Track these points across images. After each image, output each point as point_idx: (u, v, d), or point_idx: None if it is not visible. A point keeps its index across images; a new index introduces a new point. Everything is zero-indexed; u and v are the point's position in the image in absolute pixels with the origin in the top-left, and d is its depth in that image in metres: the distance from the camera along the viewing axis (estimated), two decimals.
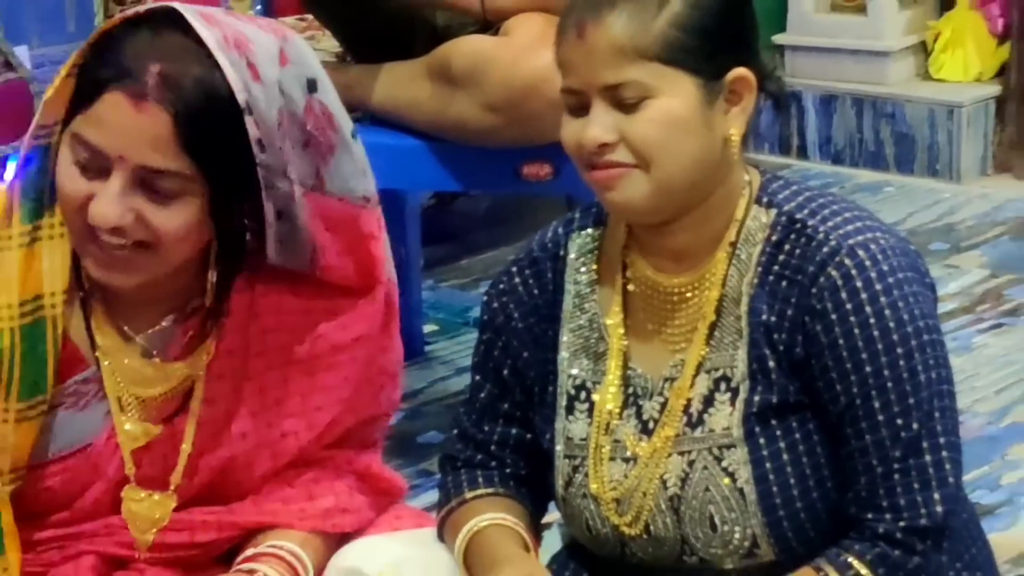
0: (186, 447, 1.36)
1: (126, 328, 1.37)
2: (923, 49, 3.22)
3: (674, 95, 1.21)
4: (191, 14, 1.23)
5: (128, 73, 1.19)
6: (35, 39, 3.04)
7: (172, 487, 1.36)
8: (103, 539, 1.39)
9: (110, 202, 1.19)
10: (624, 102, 1.20)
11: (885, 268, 1.22)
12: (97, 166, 1.21)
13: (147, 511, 1.39)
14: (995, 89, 3.05)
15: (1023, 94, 2.92)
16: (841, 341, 1.21)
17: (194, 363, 1.35)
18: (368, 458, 1.47)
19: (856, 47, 3.18)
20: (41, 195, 1.29)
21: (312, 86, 1.30)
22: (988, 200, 3.08)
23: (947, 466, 1.21)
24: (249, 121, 1.21)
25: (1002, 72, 3.03)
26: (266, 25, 1.36)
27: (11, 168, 1.39)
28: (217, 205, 1.26)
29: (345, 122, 1.37)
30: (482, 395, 1.42)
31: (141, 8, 1.31)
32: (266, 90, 1.25)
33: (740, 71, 1.22)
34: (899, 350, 1.20)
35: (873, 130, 3.14)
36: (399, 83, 2.10)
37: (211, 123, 1.22)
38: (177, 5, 1.25)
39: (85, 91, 1.22)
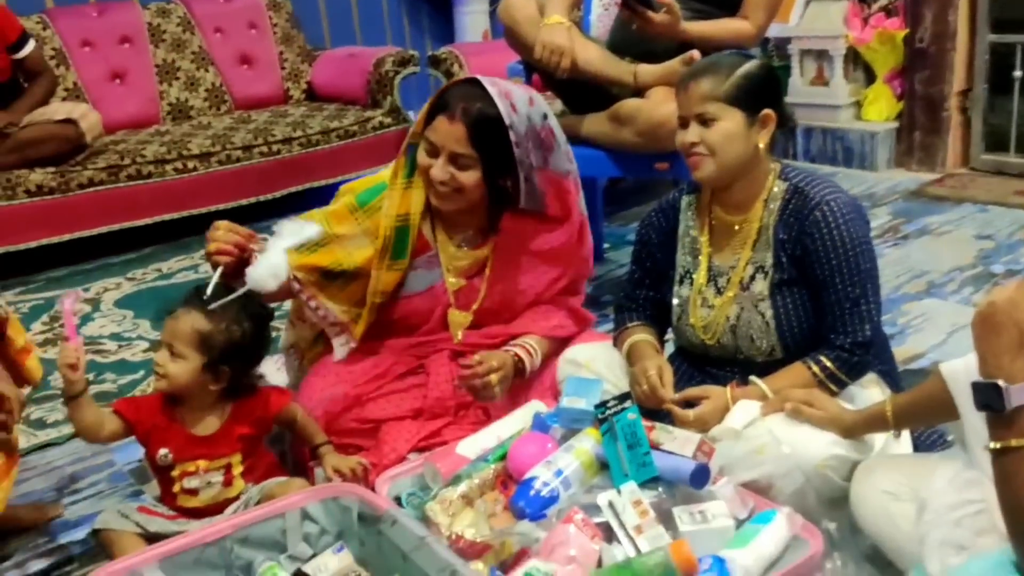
0: (481, 292, 2.10)
1: (451, 233, 2.10)
2: (858, 104, 4.60)
3: (730, 120, 1.82)
4: (482, 78, 1.96)
5: (447, 107, 1.92)
6: None
7: (471, 311, 2.10)
8: (442, 340, 2.10)
9: (439, 169, 1.95)
10: (704, 122, 1.84)
11: (844, 211, 1.81)
12: (433, 151, 1.95)
13: (459, 320, 2.10)
14: (896, 124, 4.50)
15: (911, 129, 4.40)
16: (821, 248, 1.80)
17: (484, 253, 2.09)
18: (575, 301, 2.20)
19: (823, 103, 4.55)
20: (413, 165, 2.03)
21: (544, 117, 2.01)
22: (891, 181, 4.31)
23: (873, 311, 1.83)
24: (511, 132, 1.92)
25: (899, 116, 4.49)
26: (526, 88, 2.05)
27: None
28: (488, 174, 1.95)
29: (560, 136, 2.06)
30: (636, 276, 2.11)
31: (460, 77, 2.08)
32: (519, 117, 1.94)
33: (768, 111, 1.84)
34: (850, 253, 1.80)
35: (832, 145, 4.56)
36: (594, 124, 2.83)
37: (486, 130, 1.91)
38: (478, 76, 1.98)
39: (430, 117, 1.95)
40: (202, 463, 1.82)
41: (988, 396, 1.24)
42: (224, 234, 1.89)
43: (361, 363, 2.10)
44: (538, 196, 2.03)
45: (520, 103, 1.96)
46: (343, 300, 2.06)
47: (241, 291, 1.80)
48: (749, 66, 1.86)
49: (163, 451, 1.81)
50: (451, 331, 2.11)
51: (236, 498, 1.85)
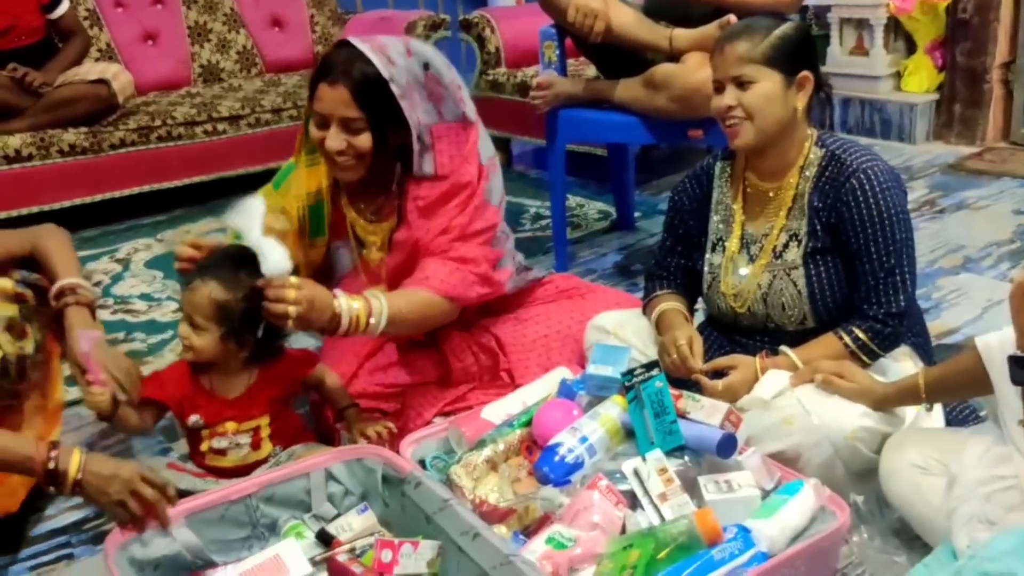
0: (384, 263, 2.02)
1: (359, 207, 2.03)
2: (898, 75, 4.50)
3: (768, 82, 1.79)
4: (353, 39, 1.90)
5: (327, 73, 1.84)
6: None
7: (383, 283, 1.99)
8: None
9: (333, 138, 1.85)
10: (741, 84, 1.81)
11: (881, 180, 1.79)
12: (323, 122, 1.86)
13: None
14: (936, 96, 4.40)
15: (951, 101, 4.28)
16: (857, 216, 1.79)
17: (389, 224, 2.02)
18: (469, 251, 1.96)
19: (862, 73, 4.44)
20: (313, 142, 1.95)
21: (425, 66, 1.93)
22: (929, 154, 4.23)
23: (908, 282, 1.81)
24: (392, 86, 1.86)
25: (939, 88, 4.38)
26: (402, 39, 1.95)
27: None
28: (380, 134, 1.86)
29: (448, 80, 1.94)
30: (667, 243, 2.09)
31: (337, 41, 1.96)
32: (398, 69, 1.87)
33: (805, 73, 1.81)
34: (886, 223, 1.78)
35: (870, 117, 4.49)
36: (628, 88, 2.76)
37: (369, 88, 1.84)
38: (350, 38, 1.90)
39: (312, 89, 1.88)
40: (231, 425, 1.83)
41: (1023, 369, 1.22)
42: (187, 249, 1.87)
43: None
44: (431, 158, 1.95)
45: (397, 55, 1.91)
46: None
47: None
48: (785, 27, 1.83)
49: (194, 417, 1.82)
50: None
51: (264, 460, 1.86)
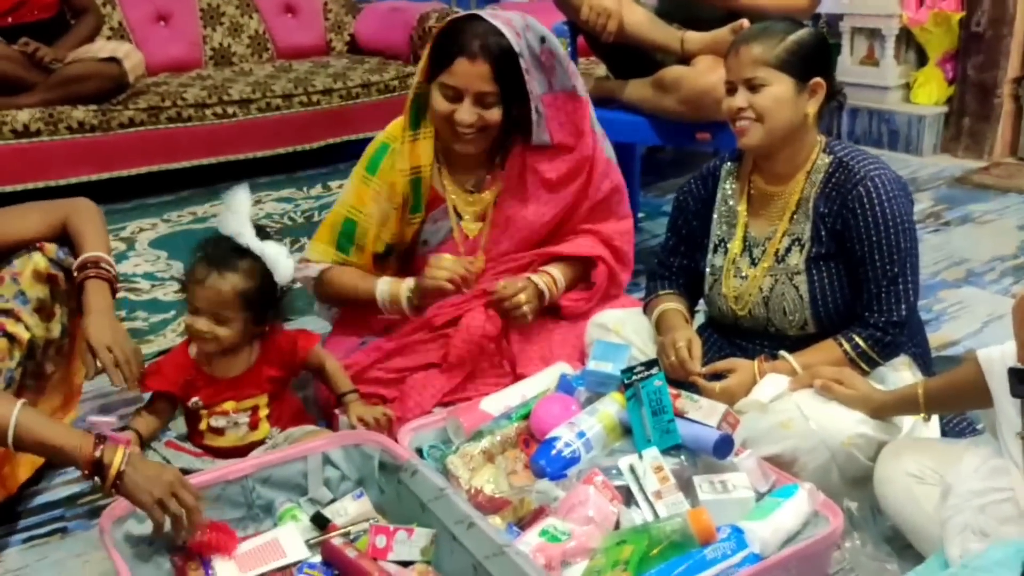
0: (485, 234, 2.10)
1: (459, 180, 2.10)
2: (907, 87, 4.50)
3: (779, 86, 1.80)
4: (487, 13, 1.96)
5: (464, 48, 1.89)
6: None
7: (480, 252, 2.11)
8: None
9: (467, 112, 1.94)
10: (753, 87, 1.81)
11: (888, 188, 1.79)
12: (456, 95, 1.93)
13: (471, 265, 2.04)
14: (945, 109, 4.41)
15: (960, 114, 4.30)
16: (863, 224, 1.79)
17: (494, 193, 2.10)
18: (607, 227, 2.16)
19: (872, 83, 4.45)
20: (417, 117, 2.05)
21: (542, 40, 1.99)
22: (936, 167, 4.24)
23: (910, 292, 1.81)
24: (520, 59, 1.92)
25: (949, 101, 4.39)
26: (520, 13, 2.01)
27: (398, 120, 2.08)
28: (507, 107, 1.95)
29: (559, 52, 2.00)
30: (670, 243, 2.09)
31: (458, 14, 2.02)
32: (523, 44, 1.94)
33: (818, 79, 1.81)
34: (891, 232, 1.78)
35: (878, 127, 4.50)
36: (637, 89, 2.78)
37: (505, 63, 1.91)
38: (478, 11, 1.98)
39: (441, 61, 1.91)
40: (229, 404, 1.83)
41: (1023, 382, 1.22)
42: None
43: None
44: (544, 127, 2.04)
45: (521, 29, 1.96)
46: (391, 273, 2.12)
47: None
48: (801, 33, 1.83)
49: (194, 399, 1.83)
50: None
51: (262, 442, 1.86)
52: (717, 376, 1.87)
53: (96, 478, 1.48)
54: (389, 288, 2.04)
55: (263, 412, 1.87)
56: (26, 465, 1.89)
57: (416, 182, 2.05)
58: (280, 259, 1.81)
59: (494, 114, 1.95)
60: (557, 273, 2.12)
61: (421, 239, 2.13)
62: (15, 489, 1.88)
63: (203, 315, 1.78)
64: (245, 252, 1.79)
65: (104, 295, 1.79)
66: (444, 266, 1.94)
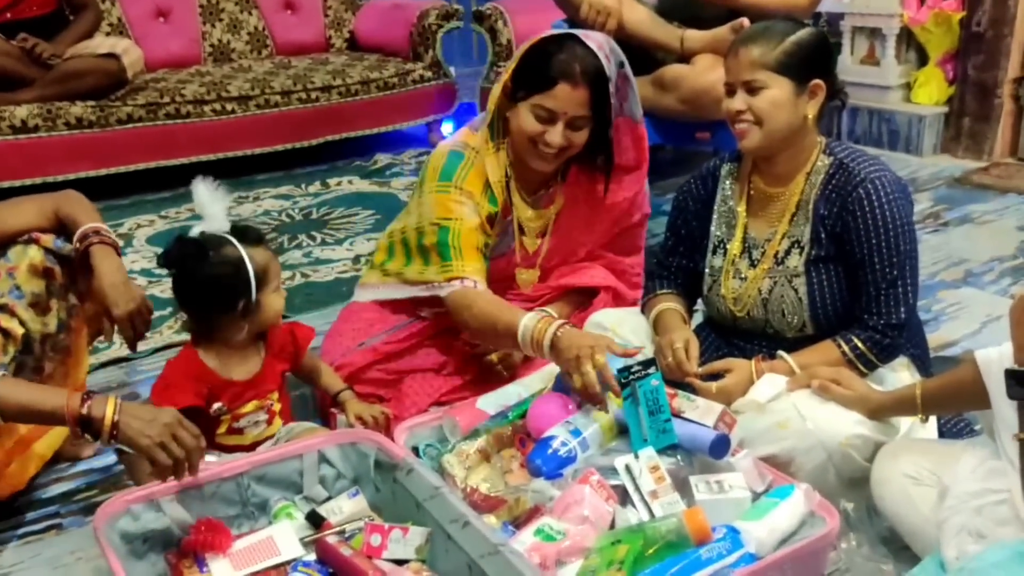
0: (544, 248, 2.12)
1: (525, 195, 2.09)
2: (908, 87, 4.49)
3: (777, 89, 1.78)
4: (581, 34, 1.93)
5: (567, 73, 1.87)
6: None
7: (537, 266, 2.13)
8: (514, 295, 2.11)
9: (557, 135, 1.92)
10: (751, 90, 1.80)
11: (888, 190, 1.78)
12: (550, 117, 1.91)
13: (528, 278, 2.13)
14: (945, 109, 4.39)
15: (960, 114, 4.29)
16: (863, 226, 1.79)
17: (554, 210, 2.11)
18: (629, 262, 2.24)
19: (872, 83, 4.44)
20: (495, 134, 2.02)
21: (621, 65, 2.00)
22: (936, 167, 4.23)
23: (909, 294, 1.81)
24: (610, 84, 1.90)
25: (949, 101, 4.38)
26: (604, 35, 2.02)
27: (474, 123, 2.09)
28: (597, 129, 1.97)
29: (633, 81, 2.05)
30: (670, 243, 2.09)
31: (547, 33, 2.00)
32: (610, 69, 1.93)
33: (818, 81, 1.80)
34: (891, 234, 1.78)
35: (878, 127, 4.49)
36: (638, 88, 2.64)
37: (601, 90, 1.91)
38: (571, 31, 1.98)
39: (537, 82, 1.87)
40: (252, 404, 1.81)
41: (1020, 384, 1.22)
42: None
43: (397, 314, 2.11)
44: (613, 147, 2.06)
45: (609, 53, 1.95)
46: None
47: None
48: (801, 34, 1.82)
49: (217, 405, 1.79)
50: (521, 289, 2.15)
51: (272, 436, 1.85)
52: (714, 376, 1.87)
53: (86, 435, 1.47)
54: (535, 324, 1.83)
55: (276, 407, 1.86)
56: (36, 460, 1.88)
57: (492, 197, 2.03)
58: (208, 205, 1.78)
59: (581, 136, 1.95)
60: (555, 312, 2.07)
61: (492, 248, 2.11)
62: (23, 485, 1.88)
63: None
64: (204, 251, 1.76)
65: (112, 258, 1.78)
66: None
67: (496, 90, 1.99)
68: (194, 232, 1.78)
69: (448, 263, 1.96)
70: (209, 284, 1.75)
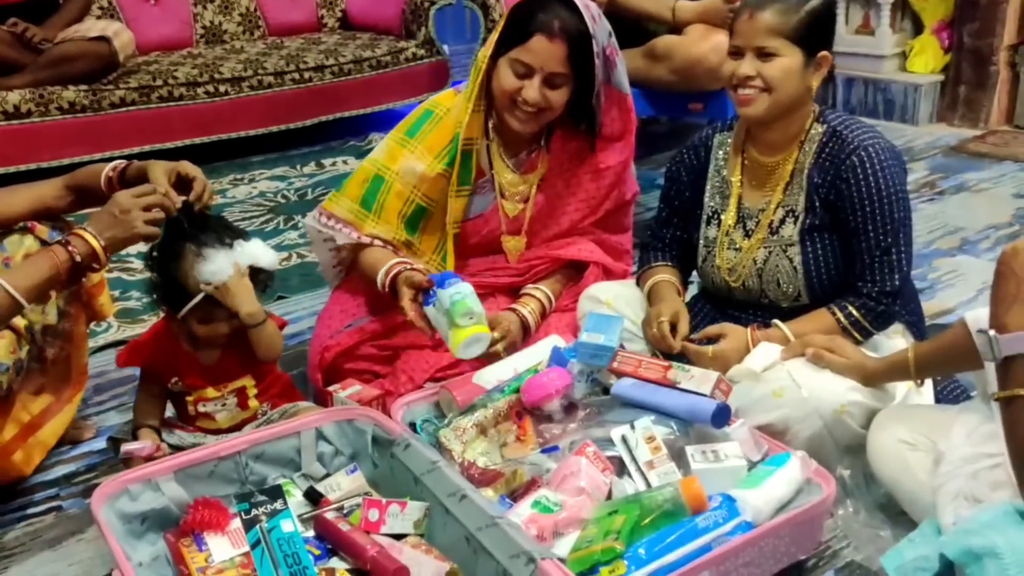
0: (528, 213, 2.09)
1: (507, 157, 2.08)
2: (903, 55, 4.47)
3: (790, 57, 1.77)
4: None
5: (544, 26, 1.85)
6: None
7: (523, 234, 2.10)
8: (496, 267, 2.12)
9: (534, 90, 1.90)
10: (764, 55, 1.78)
11: (882, 157, 1.78)
12: (527, 72, 1.90)
13: (514, 245, 2.11)
14: (941, 77, 4.37)
15: (956, 83, 4.28)
16: (856, 194, 1.79)
17: (538, 175, 2.09)
18: (617, 240, 2.21)
19: (867, 52, 4.41)
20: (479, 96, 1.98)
21: (609, 34, 1.98)
22: (932, 135, 4.22)
23: (904, 262, 1.82)
24: (593, 42, 1.88)
25: (945, 69, 4.36)
26: (594, 4, 1.96)
27: (460, 87, 2.07)
28: (578, 91, 1.95)
29: (620, 56, 2.03)
30: (663, 215, 2.09)
31: None
32: (598, 28, 1.91)
33: (825, 53, 1.79)
34: (885, 202, 1.78)
35: (873, 97, 4.47)
36: (628, 59, 2.47)
37: (581, 47, 1.88)
38: None
39: (516, 36, 1.87)
40: (210, 391, 1.82)
41: (984, 345, 1.23)
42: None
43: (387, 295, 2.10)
44: (600, 114, 2.02)
45: (597, 17, 1.93)
46: (426, 248, 2.08)
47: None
48: (815, 3, 1.79)
49: (174, 379, 1.82)
50: (508, 257, 2.14)
51: (253, 418, 1.86)
52: (711, 341, 1.87)
53: (89, 274, 1.60)
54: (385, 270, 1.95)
55: (251, 392, 1.86)
56: (40, 448, 1.89)
57: (467, 155, 2.02)
58: (261, 253, 1.78)
59: (560, 96, 1.93)
60: (549, 291, 2.10)
61: (469, 211, 2.11)
62: (29, 472, 1.88)
63: (223, 319, 1.77)
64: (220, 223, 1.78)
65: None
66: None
67: (484, 52, 1.97)
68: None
69: (366, 215, 2.04)
70: (167, 279, 1.77)
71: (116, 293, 2.80)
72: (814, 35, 1.78)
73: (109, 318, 2.14)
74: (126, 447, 1.71)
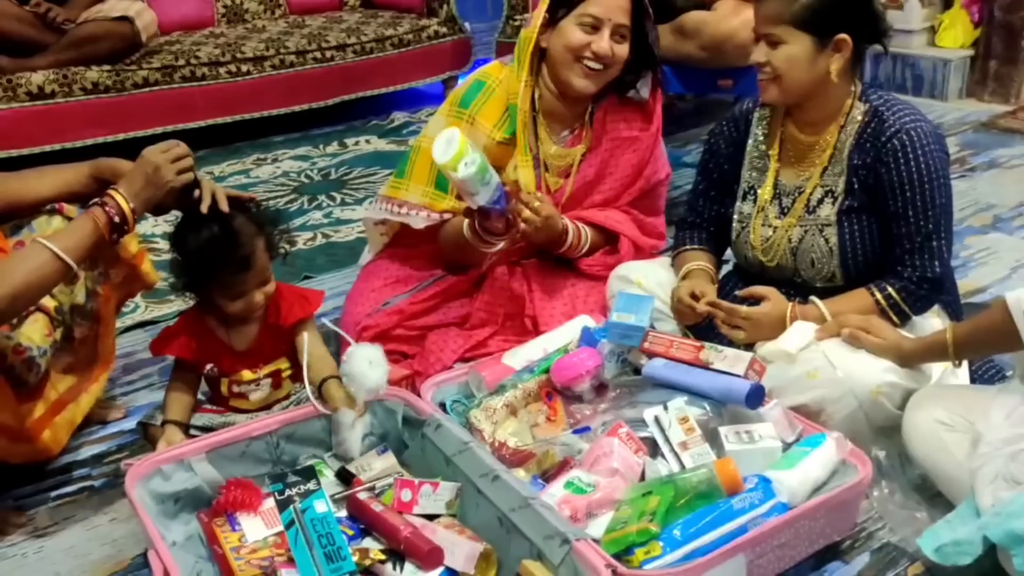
0: (568, 189, 2.10)
1: (552, 131, 2.09)
2: (932, 30, 4.38)
3: (796, 45, 1.74)
4: None
5: None
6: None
7: (560, 208, 2.06)
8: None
9: (604, 42, 1.96)
10: (772, 43, 1.77)
11: (924, 141, 1.75)
12: (595, 24, 1.95)
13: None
14: (971, 52, 4.29)
15: (986, 57, 4.19)
16: (896, 179, 1.76)
17: (580, 150, 2.11)
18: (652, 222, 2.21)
19: (896, 27, 4.08)
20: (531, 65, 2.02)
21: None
22: (961, 111, 4.14)
23: (944, 248, 1.79)
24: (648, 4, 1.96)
25: (975, 44, 4.27)
26: None
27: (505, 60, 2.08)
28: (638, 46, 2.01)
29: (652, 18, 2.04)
30: (701, 187, 2.06)
31: None
32: None
33: (842, 36, 1.73)
34: (926, 187, 1.75)
35: (902, 72, 4.40)
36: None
37: (639, 2, 1.97)
38: None
39: None
40: (246, 374, 1.80)
41: None
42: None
43: (420, 271, 2.10)
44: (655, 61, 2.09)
45: None
46: None
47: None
48: None
49: (209, 366, 1.80)
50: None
51: (285, 397, 1.85)
52: (751, 304, 1.85)
53: (118, 236, 1.63)
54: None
55: (285, 373, 1.85)
56: (66, 426, 1.87)
57: (511, 125, 2.04)
58: (369, 373, 1.69)
59: (623, 49, 1.98)
60: (587, 231, 2.11)
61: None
62: (60, 449, 1.87)
63: (253, 289, 1.73)
64: (225, 218, 1.72)
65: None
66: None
67: (533, 24, 1.98)
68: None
69: (441, 195, 2.04)
70: (190, 256, 1.73)
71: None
72: (823, 19, 1.73)
73: (154, 287, 2.11)
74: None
